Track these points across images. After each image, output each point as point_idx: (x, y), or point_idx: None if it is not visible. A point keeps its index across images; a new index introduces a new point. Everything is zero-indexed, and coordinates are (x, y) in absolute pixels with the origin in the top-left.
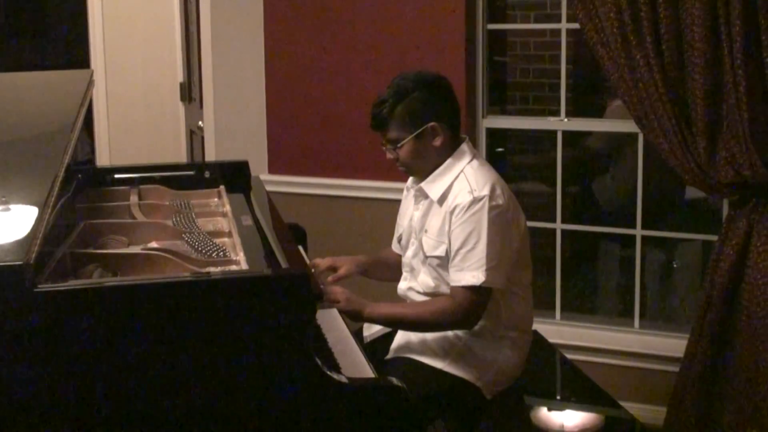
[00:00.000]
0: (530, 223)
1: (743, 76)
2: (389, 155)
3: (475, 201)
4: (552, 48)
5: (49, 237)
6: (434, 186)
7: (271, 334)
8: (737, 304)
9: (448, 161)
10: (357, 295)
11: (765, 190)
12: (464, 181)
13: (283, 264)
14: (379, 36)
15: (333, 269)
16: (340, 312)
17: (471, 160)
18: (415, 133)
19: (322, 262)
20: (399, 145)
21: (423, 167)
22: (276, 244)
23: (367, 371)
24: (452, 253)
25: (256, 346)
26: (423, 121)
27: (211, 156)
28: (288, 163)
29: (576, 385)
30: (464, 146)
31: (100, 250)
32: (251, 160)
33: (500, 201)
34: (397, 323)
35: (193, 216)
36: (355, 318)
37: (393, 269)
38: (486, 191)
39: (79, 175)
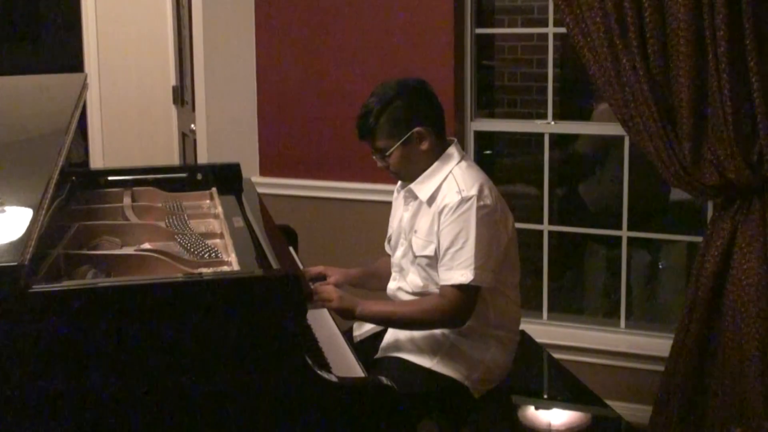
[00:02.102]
0: (518, 225)
1: (728, 80)
2: (379, 163)
3: (464, 201)
4: (539, 52)
5: (43, 238)
6: (423, 187)
7: (263, 334)
8: (722, 305)
9: (437, 163)
10: (348, 294)
11: (749, 192)
12: (453, 181)
13: (274, 265)
14: (369, 41)
15: (323, 277)
16: (332, 311)
17: (459, 162)
18: (401, 140)
19: (313, 269)
20: (387, 153)
21: (413, 172)
22: (267, 245)
23: (357, 371)
24: (441, 253)
25: (248, 346)
26: (408, 127)
27: (203, 158)
28: (279, 165)
29: (563, 385)
30: (452, 148)
31: (94, 251)
32: (243, 163)
33: (488, 201)
34: (388, 321)
35: (186, 217)
36: (346, 316)
37: (383, 279)
38: (474, 191)
39: (73, 177)
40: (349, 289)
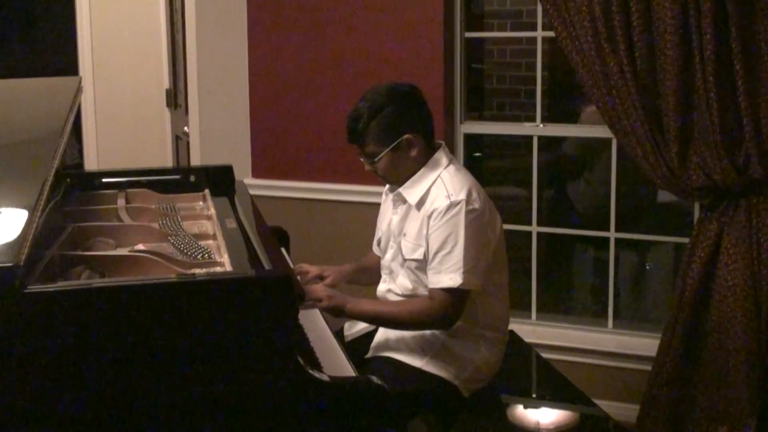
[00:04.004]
0: (507, 226)
1: (714, 83)
2: (367, 167)
3: (452, 205)
4: (528, 55)
5: (38, 239)
6: (412, 191)
7: (255, 334)
8: (708, 305)
9: (425, 168)
10: (338, 292)
11: (735, 194)
12: (441, 186)
13: (267, 266)
14: (359, 44)
15: (321, 278)
16: (322, 310)
17: (447, 166)
18: (390, 147)
19: (311, 270)
20: (376, 159)
21: (400, 176)
22: (259, 246)
23: (348, 370)
24: (430, 256)
25: (240, 346)
26: (398, 134)
27: (196, 161)
28: (271, 167)
29: (551, 384)
30: (441, 152)
31: (89, 252)
32: (235, 165)
33: (476, 205)
34: (377, 320)
35: (179, 219)
36: (337, 314)
37: (375, 273)
38: (463, 196)
39: (68, 179)
40: (344, 286)
